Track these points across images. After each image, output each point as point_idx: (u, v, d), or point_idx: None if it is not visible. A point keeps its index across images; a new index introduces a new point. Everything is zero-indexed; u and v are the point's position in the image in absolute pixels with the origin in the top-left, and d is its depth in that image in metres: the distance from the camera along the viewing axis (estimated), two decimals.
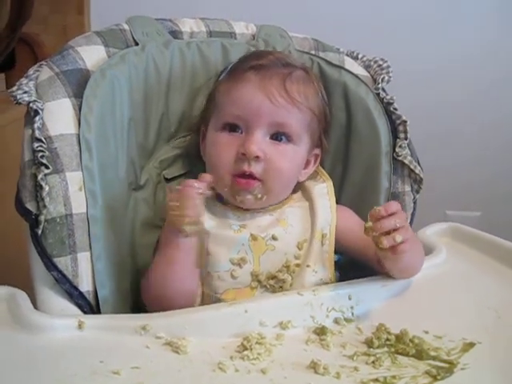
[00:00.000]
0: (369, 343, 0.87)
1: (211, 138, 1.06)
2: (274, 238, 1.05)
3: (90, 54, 1.04)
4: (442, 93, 2.23)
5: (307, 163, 1.11)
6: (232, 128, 1.03)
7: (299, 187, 1.13)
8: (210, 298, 1.01)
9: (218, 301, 1.00)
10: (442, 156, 2.21)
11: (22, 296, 0.90)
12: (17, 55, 1.93)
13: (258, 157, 1.01)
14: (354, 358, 0.84)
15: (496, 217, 2.27)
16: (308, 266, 1.03)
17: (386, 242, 0.88)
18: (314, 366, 0.80)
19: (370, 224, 0.90)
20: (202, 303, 1.02)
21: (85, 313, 0.96)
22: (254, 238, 1.04)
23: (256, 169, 1.02)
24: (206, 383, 0.76)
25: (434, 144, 2.13)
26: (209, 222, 1.04)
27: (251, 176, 1.02)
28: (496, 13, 2.21)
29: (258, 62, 1.04)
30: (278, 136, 1.03)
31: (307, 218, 1.08)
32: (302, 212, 1.09)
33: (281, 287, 1.02)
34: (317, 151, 1.12)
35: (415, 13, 2.19)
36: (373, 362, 0.82)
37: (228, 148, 1.03)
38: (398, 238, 0.88)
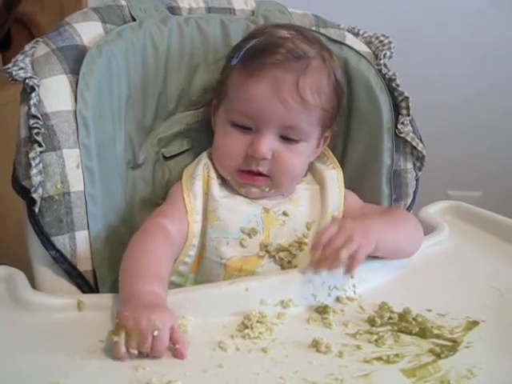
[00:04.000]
0: (371, 322, 0.87)
1: (220, 127, 1.05)
2: (284, 213, 1.05)
3: (87, 30, 1.02)
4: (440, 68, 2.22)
5: (319, 143, 1.09)
6: (241, 125, 1.02)
7: (309, 168, 1.11)
8: (213, 263, 1.00)
9: (222, 267, 1.00)
10: (443, 136, 2.19)
11: (20, 276, 0.89)
12: (13, 35, 1.91)
13: (266, 158, 1.00)
14: (357, 336, 0.83)
15: (497, 196, 2.26)
16: None
17: (335, 264, 0.88)
18: (315, 345, 0.80)
19: (317, 257, 0.88)
20: (202, 269, 1.01)
21: (84, 292, 0.95)
22: (266, 210, 1.04)
23: (264, 168, 1.02)
24: (207, 362, 0.76)
25: (434, 123, 2.11)
26: (221, 191, 1.04)
27: (258, 173, 1.02)
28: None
29: (271, 58, 0.98)
30: (288, 136, 1.02)
31: (318, 200, 1.08)
32: (313, 193, 1.09)
33: (289, 262, 1.01)
34: (327, 133, 1.10)
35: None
36: (375, 341, 0.82)
37: (236, 143, 1.02)
38: (342, 254, 0.86)
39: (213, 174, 1.05)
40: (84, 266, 0.95)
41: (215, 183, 1.04)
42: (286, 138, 1.01)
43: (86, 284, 0.95)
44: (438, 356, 0.79)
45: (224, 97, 1.04)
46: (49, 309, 0.84)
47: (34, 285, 0.93)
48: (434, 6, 2.19)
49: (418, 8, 2.18)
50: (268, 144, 1.00)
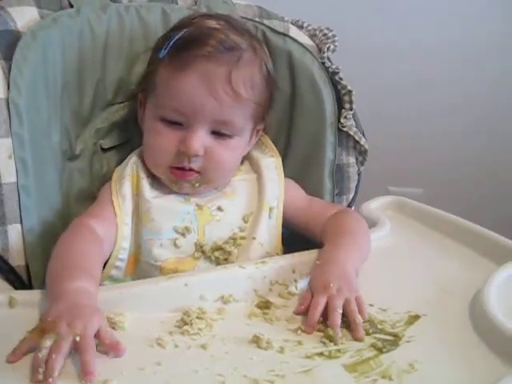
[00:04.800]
0: None
1: (149, 124, 1.01)
2: (219, 208, 1.02)
3: (22, 15, 0.98)
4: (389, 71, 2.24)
5: (252, 135, 1.07)
6: (172, 121, 0.98)
7: (246, 158, 1.10)
8: (148, 266, 0.98)
9: (158, 270, 0.97)
10: (384, 132, 2.21)
11: None
12: None
13: (198, 154, 0.97)
14: (298, 332, 0.81)
15: (437, 194, 2.28)
16: (254, 238, 1.01)
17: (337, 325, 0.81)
18: (256, 341, 0.78)
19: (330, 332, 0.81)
20: (139, 272, 0.98)
21: (16, 288, 0.92)
22: (199, 207, 1.01)
23: (196, 164, 0.98)
24: (144, 360, 0.73)
25: (376, 120, 2.12)
26: (152, 191, 1.01)
27: (190, 169, 0.99)
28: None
29: (201, 50, 0.94)
30: (220, 131, 0.99)
31: (255, 191, 1.06)
32: (249, 184, 1.07)
33: (225, 259, 0.99)
34: (259, 126, 1.08)
35: None
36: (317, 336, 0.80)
37: (167, 141, 0.98)
38: (357, 320, 0.82)
39: (142, 174, 1.02)
40: (16, 260, 0.92)
41: (146, 183, 1.01)
42: (218, 134, 0.99)
43: (18, 279, 0.92)
44: (380, 351, 0.77)
45: (152, 92, 1.00)
46: None
47: None
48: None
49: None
50: (200, 140, 0.96)
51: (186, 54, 0.94)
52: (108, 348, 0.72)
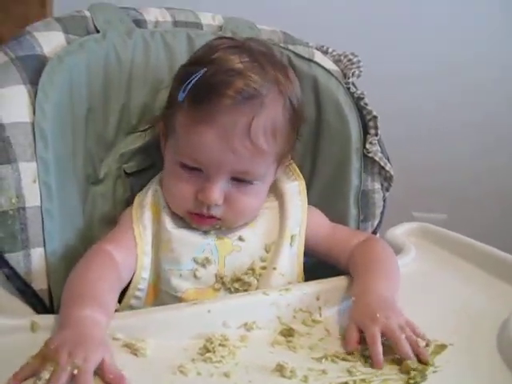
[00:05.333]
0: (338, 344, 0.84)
1: (169, 166, 1.00)
2: (240, 239, 1.01)
3: (49, 40, 0.99)
4: (410, 95, 2.23)
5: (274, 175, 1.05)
6: (191, 168, 0.96)
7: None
8: (168, 296, 0.96)
9: (178, 300, 0.95)
10: (409, 157, 2.20)
11: None
12: None
13: (218, 204, 0.96)
14: (323, 360, 0.80)
15: (462, 220, 2.26)
16: (274, 268, 0.99)
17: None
18: (280, 369, 0.76)
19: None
20: (159, 302, 0.97)
21: (38, 312, 0.91)
22: (219, 237, 1.00)
23: (216, 212, 0.97)
24: None
25: (401, 144, 2.11)
26: (172, 222, 1.00)
27: (210, 216, 0.98)
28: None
29: (220, 102, 0.90)
30: (240, 178, 0.96)
31: (276, 219, 1.04)
32: (271, 213, 1.05)
33: (245, 290, 0.97)
34: (285, 160, 1.05)
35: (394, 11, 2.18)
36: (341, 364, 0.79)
37: (186, 187, 0.97)
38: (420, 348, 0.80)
39: (163, 203, 1.00)
40: (39, 284, 0.91)
41: (166, 212, 1.00)
42: (239, 180, 0.96)
43: (40, 303, 0.91)
44: (407, 382, 0.76)
45: (172, 133, 0.98)
46: (1, 331, 0.79)
47: None
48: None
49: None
50: (219, 190, 0.95)
51: (204, 107, 0.91)
52: (108, 381, 0.70)
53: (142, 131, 1.09)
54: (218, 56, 0.95)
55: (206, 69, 0.93)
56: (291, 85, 0.99)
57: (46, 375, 0.68)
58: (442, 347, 0.83)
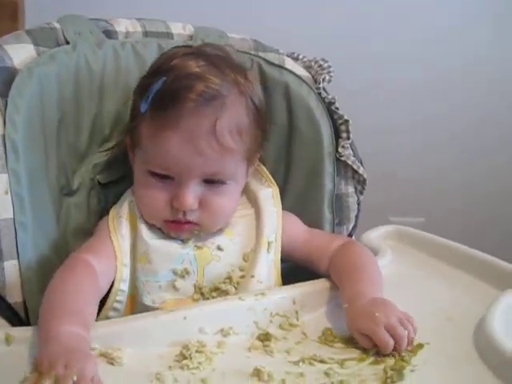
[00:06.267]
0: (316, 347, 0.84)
1: (139, 176, 0.99)
2: (219, 248, 1.00)
3: (18, 53, 0.98)
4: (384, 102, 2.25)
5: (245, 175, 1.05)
6: (162, 175, 0.96)
7: (243, 190, 1.07)
8: (146, 308, 0.95)
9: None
10: (385, 161, 2.21)
11: None
12: None
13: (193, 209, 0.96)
14: (300, 363, 0.80)
15: (439, 223, 2.27)
16: (252, 276, 0.99)
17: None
18: (257, 374, 0.76)
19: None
20: (138, 313, 0.94)
21: (13, 325, 0.90)
22: (198, 247, 1.00)
23: (192, 217, 0.97)
24: None
25: (377, 149, 2.13)
26: (150, 232, 0.99)
27: (187, 222, 0.97)
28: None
29: (182, 107, 0.91)
30: (212, 179, 0.96)
31: (253, 227, 1.04)
32: (247, 220, 1.05)
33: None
34: (255, 158, 1.05)
35: None
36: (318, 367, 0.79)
37: (159, 196, 0.96)
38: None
39: (139, 214, 1.00)
40: (14, 297, 0.90)
41: (143, 223, 0.99)
42: (211, 182, 0.96)
43: (16, 317, 0.91)
44: (384, 382, 0.76)
45: (138, 144, 0.98)
46: None
47: None
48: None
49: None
50: (192, 194, 0.94)
51: (167, 112, 0.91)
52: None
53: (112, 148, 1.09)
54: (175, 63, 0.96)
55: (164, 77, 0.93)
56: (251, 85, 1.00)
57: None
58: (419, 346, 0.83)
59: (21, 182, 0.92)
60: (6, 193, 0.90)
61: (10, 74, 0.95)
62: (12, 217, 0.90)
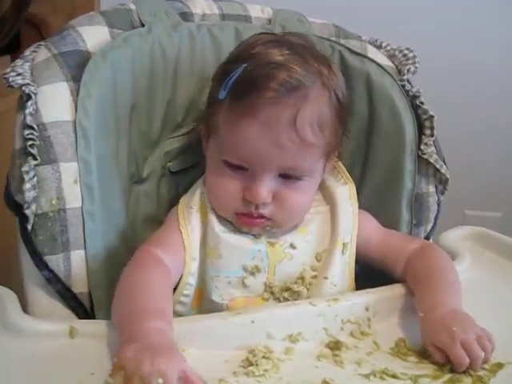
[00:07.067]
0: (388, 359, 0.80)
1: (212, 164, 0.96)
2: (292, 246, 0.96)
3: (92, 35, 0.96)
4: (462, 90, 2.16)
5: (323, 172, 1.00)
6: (236, 165, 0.92)
7: (319, 186, 1.02)
8: (215, 304, 0.93)
9: (224, 308, 0.92)
10: (462, 154, 2.13)
11: (10, 297, 0.83)
12: (23, 37, 1.86)
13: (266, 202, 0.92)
14: (371, 377, 0.76)
15: None
16: (326, 278, 0.95)
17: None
18: None
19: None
20: (205, 307, 0.93)
21: (78, 316, 0.89)
22: (271, 244, 0.96)
23: (265, 211, 0.92)
24: None
25: (453, 141, 2.05)
26: (221, 225, 0.95)
27: (259, 216, 0.93)
28: None
29: (263, 96, 0.86)
30: (288, 174, 0.92)
31: (328, 225, 1.00)
32: (322, 218, 1.00)
33: (295, 300, 0.93)
34: (334, 155, 1.00)
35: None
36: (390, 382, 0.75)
37: (231, 186, 0.92)
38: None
39: (210, 205, 0.96)
40: (79, 287, 0.89)
41: (214, 215, 0.96)
42: (286, 176, 0.92)
43: (80, 307, 0.89)
44: None
45: (214, 131, 0.94)
46: (37, 335, 0.78)
47: (26, 307, 0.87)
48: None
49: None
50: (266, 188, 0.90)
51: (247, 101, 0.87)
52: None
53: (185, 134, 1.06)
54: (257, 51, 0.91)
55: (245, 64, 0.89)
56: (335, 77, 0.95)
57: None
58: (498, 366, 0.78)
59: (90, 171, 0.90)
60: (76, 182, 0.89)
61: (84, 58, 0.93)
62: (80, 206, 0.89)
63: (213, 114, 0.94)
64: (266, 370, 0.75)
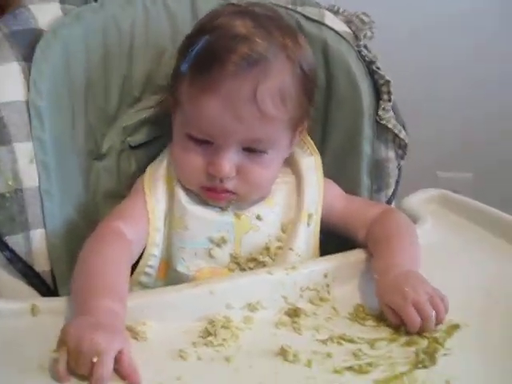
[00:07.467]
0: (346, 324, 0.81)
1: (177, 138, 0.95)
2: (258, 217, 0.97)
3: (44, 12, 0.95)
4: (432, 50, 2.15)
5: (289, 144, 0.99)
6: (200, 140, 0.92)
7: (286, 158, 1.02)
8: (180, 274, 0.94)
9: (191, 279, 0.93)
10: (434, 115, 2.13)
11: None
12: None
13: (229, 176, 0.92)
14: (328, 342, 0.77)
15: (488, 179, 2.19)
16: (291, 249, 0.96)
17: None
18: (283, 353, 0.74)
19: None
20: (171, 278, 0.95)
21: (42, 294, 0.90)
22: (237, 216, 0.96)
23: (229, 185, 0.93)
24: (164, 374, 0.70)
25: (425, 103, 2.05)
26: (187, 196, 0.96)
27: (224, 190, 0.93)
28: None
29: (223, 70, 0.86)
30: (252, 147, 0.92)
31: (293, 196, 1.00)
32: (288, 189, 1.01)
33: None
34: (301, 127, 1.00)
35: None
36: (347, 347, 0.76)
37: (196, 160, 0.92)
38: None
39: (177, 177, 0.97)
40: (41, 266, 0.90)
41: (180, 187, 0.96)
42: (251, 150, 0.92)
43: (43, 285, 0.90)
44: (415, 365, 0.73)
45: (178, 105, 0.94)
46: (1, 315, 0.79)
47: None
48: None
49: None
50: (229, 162, 0.90)
51: (207, 75, 0.87)
52: (124, 374, 0.68)
53: (147, 101, 1.06)
54: (220, 22, 0.91)
55: (207, 37, 0.89)
56: (301, 50, 0.94)
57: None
58: (454, 327, 0.80)
59: (46, 150, 0.90)
60: (31, 161, 0.89)
61: (35, 37, 0.93)
62: (37, 185, 0.89)
63: (176, 88, 0.94)
64: (224, 340, 0.76)
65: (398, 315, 0.79)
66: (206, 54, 0.88)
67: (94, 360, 0.66)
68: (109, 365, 0.66)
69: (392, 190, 1.12)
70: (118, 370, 0.68)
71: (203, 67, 0.88)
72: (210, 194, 0.94)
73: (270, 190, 0.99)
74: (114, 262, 0.83)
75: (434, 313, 0.78)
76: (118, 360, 0.68)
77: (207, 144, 0.92)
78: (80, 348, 0.66)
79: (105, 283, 0.78)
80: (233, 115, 0.87)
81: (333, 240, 1.02)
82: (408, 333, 0.78)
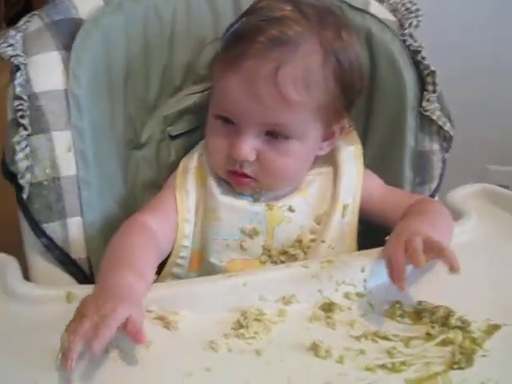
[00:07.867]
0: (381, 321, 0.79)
1: (208, 122, 0.95)
2: (290, 209, 0.96)
3: (85, 2, 0.96)
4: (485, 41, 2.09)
5: (331, 134, 0.97)
6: (225, 119, 0.91)
7: None
8: (213, 266, 0.94)
9: (223, 270, 0.93)
10: (486, 107, 2.07)
11: (11, 263, 0.85)
12: (34, 6, 1.86)
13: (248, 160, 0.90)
14: (362, 339, 0.75)
15: None
16: (323, 241, 0.94)
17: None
18: (315, 349, 0.72)
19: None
20: (204, 270, 0.95)
21: (79, 281, 0.91)
22: (269, 207, 0.95)
23: (248, 170, 0.91)
24: (194, 365, 0.70)
25: (475, 94, 1.99)
26: (219, 187, 0.95)
27: (244, 175, 0.92)
28: None
29: (250, 47, 0.85)
30: (274, 132, 0.90)
31: (329, 187, 0.98)
32: (323, 179, 0.99)
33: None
34: (341, 124, 0.97)
35: None
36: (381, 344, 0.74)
37: (219, 142, 0.92)
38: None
39: (209, 168, 0.96)
40: (78, 253, 0.91)
41: (213, 177, 0.95)
42: (273, 134, 0.90)
43: (80, 272, 0.91)
44: (450, 366, 0.70)
45: (212, 86, 0.94)
46: (35, 300, 0.80)
47: (28, 273, 0.89)
48: None
49: None
50: (248, 145, 0.89)
51: (234, 52, 0.87)
52: (128, 334, 0.67)
53: (188, 90, 1.06)
54: (261, 5, 0.90)
55: (245, 18, 0.89)
56: (341, 42, 0.91)
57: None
58: (495, 327, 0.76)
59: (84, 139, 0.91)
60: (69, 150, 0.90)
61: (76, 26, 0.93)
62: (75, 174, 0.90)
63: (213, 70, 0.94)
64: (256, 332, 0.75)
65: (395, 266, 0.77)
66: (238, 33, 0.88)
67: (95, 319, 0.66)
68: (111, 327, 0.66)
69: (436, 184, 1.09)
70: (123, 328, 0.67)
71: (231, 45, 0.88)
72: (233, 177, 0.94)
73: (301, 180, 0.98)
74: (139, 249, 0.84)
75: (421, 246, 0.76)
76: (124, 325, 0.67)
77: (231, 125, 0.90)
78: (85, 312, 0.67)
79: (127, 263, 0.79)
80: (251, 94, 0.86)
81: (372, 233, 0.99)
82: (443, 331, 0.76)
